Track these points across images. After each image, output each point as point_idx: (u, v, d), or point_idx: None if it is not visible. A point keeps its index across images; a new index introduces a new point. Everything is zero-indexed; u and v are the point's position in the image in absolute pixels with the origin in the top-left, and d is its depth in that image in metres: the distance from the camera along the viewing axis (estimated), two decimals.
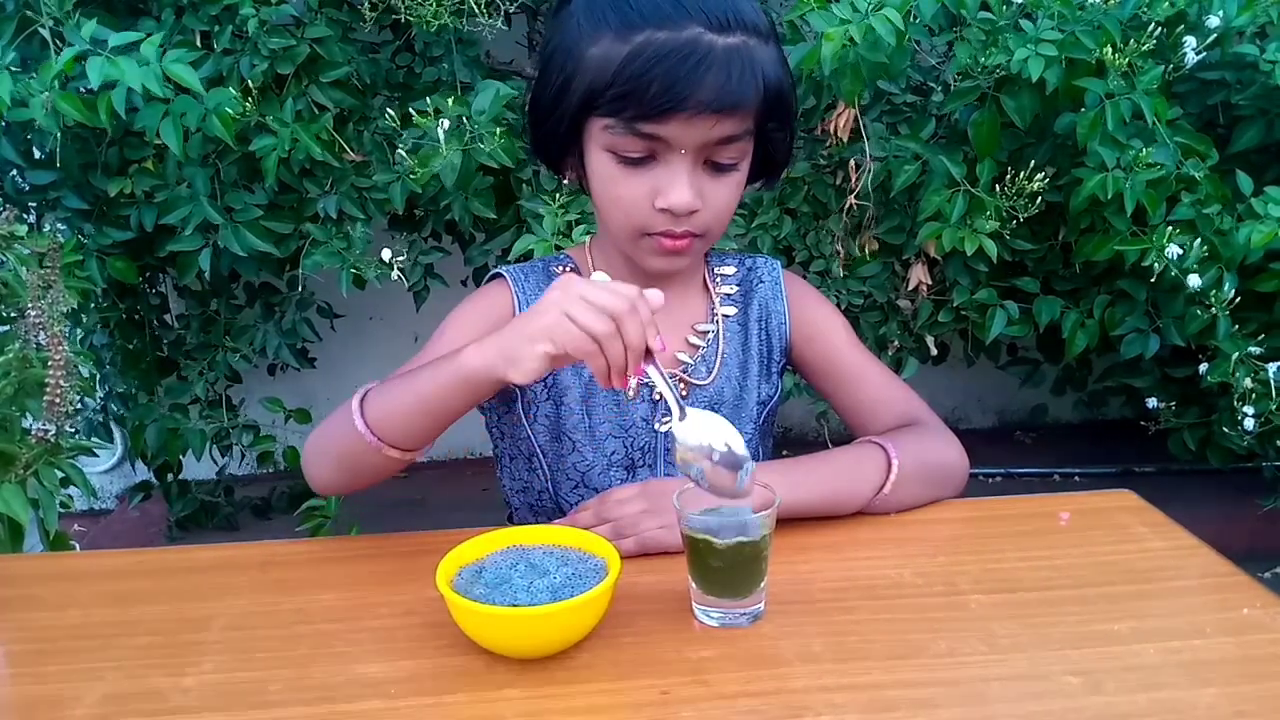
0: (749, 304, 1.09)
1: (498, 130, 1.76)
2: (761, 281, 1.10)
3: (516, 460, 1.08)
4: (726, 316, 1.08)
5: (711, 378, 1.05)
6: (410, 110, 1.79)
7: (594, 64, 0.88)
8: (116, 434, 2.41)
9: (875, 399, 1.08)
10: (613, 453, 1.04)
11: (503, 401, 1.06)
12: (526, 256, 1.71)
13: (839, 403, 1.10)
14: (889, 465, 0.96)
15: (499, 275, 1.06)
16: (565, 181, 1.03)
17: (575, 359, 0.78)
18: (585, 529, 0.86)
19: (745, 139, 0.91)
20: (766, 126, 0.93)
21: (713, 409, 1.05)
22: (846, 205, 2.04)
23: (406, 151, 1.80)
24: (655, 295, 0.79)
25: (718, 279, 1.09)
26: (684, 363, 1.05)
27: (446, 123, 1.72)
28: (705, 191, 0.92)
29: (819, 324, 1.11)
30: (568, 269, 1.06)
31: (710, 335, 1.06)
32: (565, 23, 0.92)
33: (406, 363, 1.01)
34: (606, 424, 1.04)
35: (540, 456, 1.05)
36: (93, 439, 2.25)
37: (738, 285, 1.10)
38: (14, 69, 1.63)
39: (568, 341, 0.77)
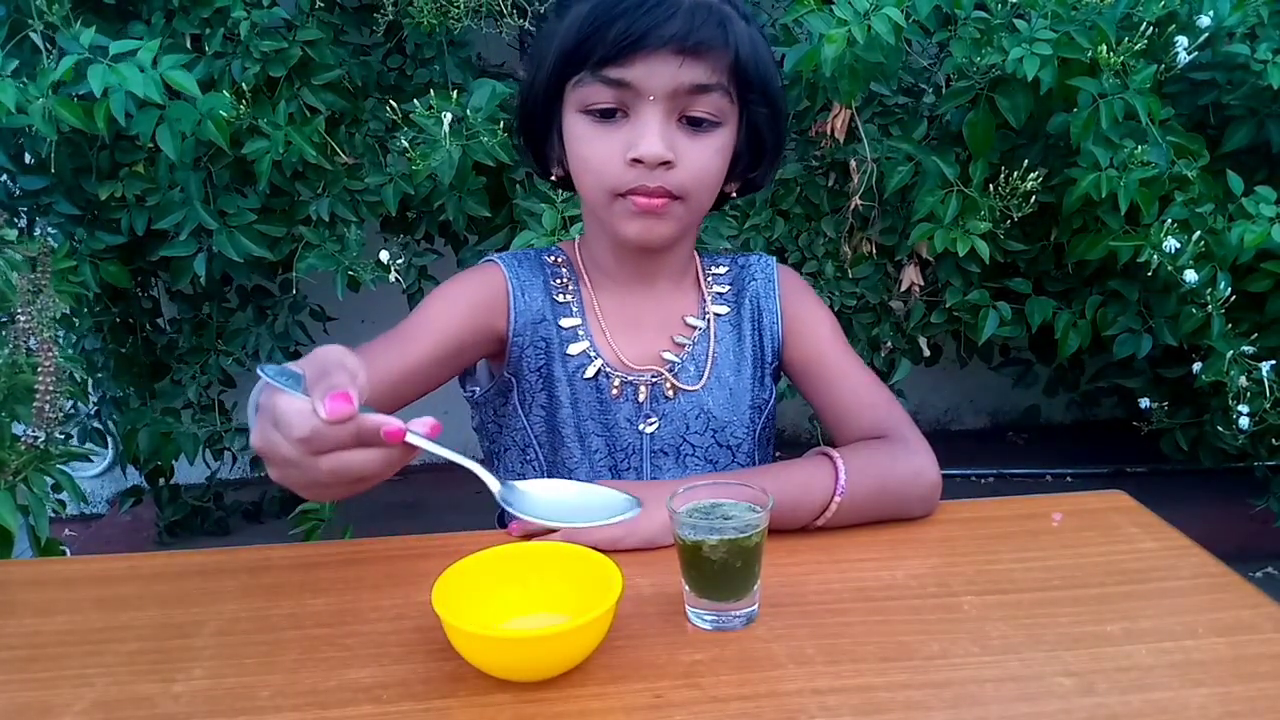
0: (741, 302, 1.07)
1: (495, 127, 1.76)
2: (754, 279, 1.08)
3: (510, 452, 1.06)
4: (718, 315, 1.06)
5: (702, 382, 1.04)
6: (409, 108, 1.79)
7: (564, 30, 0.91)
8: (108, 438, 2.40)
9: (852, 404, 1.04)
10: (595, 451, 1.02)
11: (499, 393, 1.05)
12: None
13: (817, 402, 1.07)
14: (834, 492, 0.92)
15: (491, 261, 1.05)
16: (553, 179, 1.03)
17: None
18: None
19: (719, 93, 0.91)
20: (748, 98, 0.93)
21: (702, 415, 1.03)
22: (851, 205, 2.04)
23: (403, 150, 1.80)
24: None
25: (710, 278, 1.08)
26: (670, 361, 1.03)
27: (449, 115, 1.73)
28: (680, 148, 0.91)
29: (806, 320, 1.07)
30: (559, 260, 1.06)
31: (698, 332, 1.05)
32: (549, 16, 0.97)
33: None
34: (590, 420, 1.02)
35: (536, 448, 1.03)
36: (87, 444, 2.24)
37: (730, 284, 1.08)
38: (8, 75, 1.63)
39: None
